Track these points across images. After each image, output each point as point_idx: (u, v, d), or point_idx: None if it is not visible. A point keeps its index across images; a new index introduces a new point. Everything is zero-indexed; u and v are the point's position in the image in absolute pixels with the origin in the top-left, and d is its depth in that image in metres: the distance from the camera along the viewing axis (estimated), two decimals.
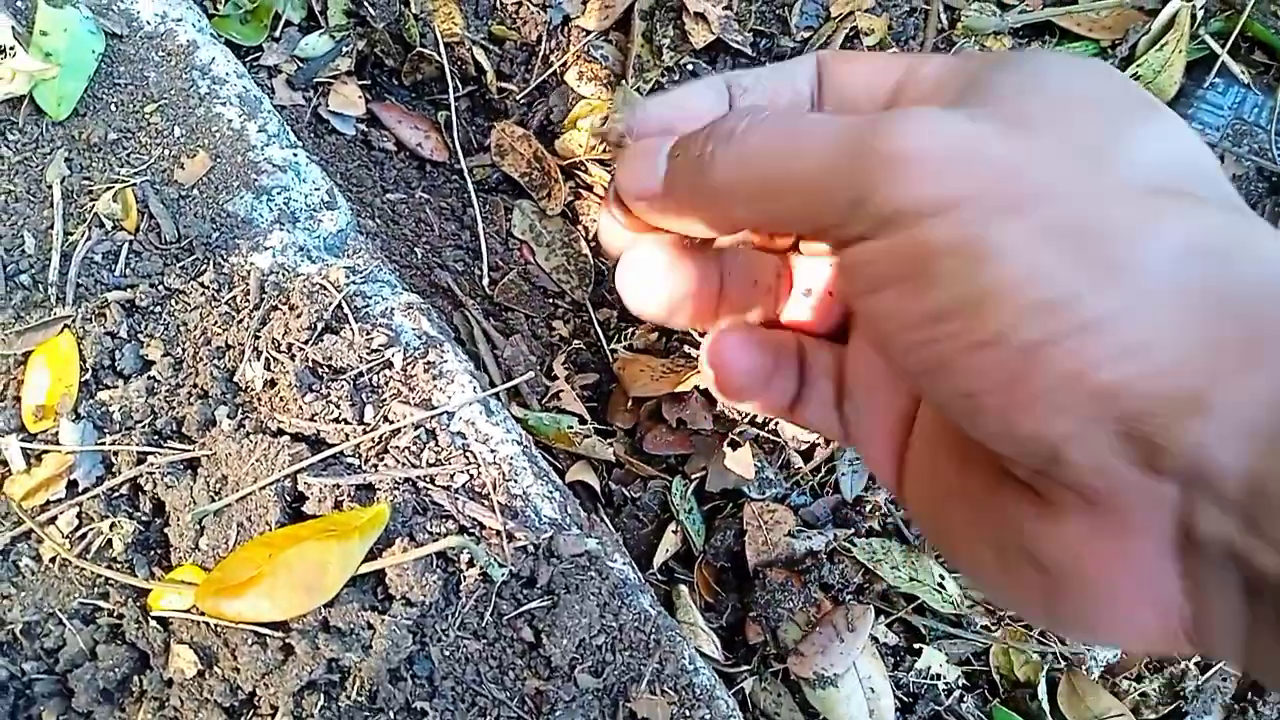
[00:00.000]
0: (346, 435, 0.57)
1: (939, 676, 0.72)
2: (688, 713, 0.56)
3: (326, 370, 0.58)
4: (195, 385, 0.58)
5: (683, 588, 0.70)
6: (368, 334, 0.59)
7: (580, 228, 0.80)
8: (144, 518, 0.57)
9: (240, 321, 0.59)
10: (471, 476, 0.57)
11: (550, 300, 0.73)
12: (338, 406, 0.57)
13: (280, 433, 0.57)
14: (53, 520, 0.56)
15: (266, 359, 0.58)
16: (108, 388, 0.58)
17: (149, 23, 0.68)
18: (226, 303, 0.60)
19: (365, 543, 0.53)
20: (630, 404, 0.75)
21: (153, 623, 0.54)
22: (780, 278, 0.34)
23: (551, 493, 0.59)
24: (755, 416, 0.75)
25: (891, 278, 0.26)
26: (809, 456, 0.75)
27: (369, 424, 0.57)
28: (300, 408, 0.57)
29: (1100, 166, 0.26)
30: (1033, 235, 0.25)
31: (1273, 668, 0.21)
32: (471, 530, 0.56)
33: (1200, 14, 0.75)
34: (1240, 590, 0.21)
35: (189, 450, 0.57)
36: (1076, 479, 0.24)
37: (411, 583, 0.53)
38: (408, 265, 0.71)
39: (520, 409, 0.68)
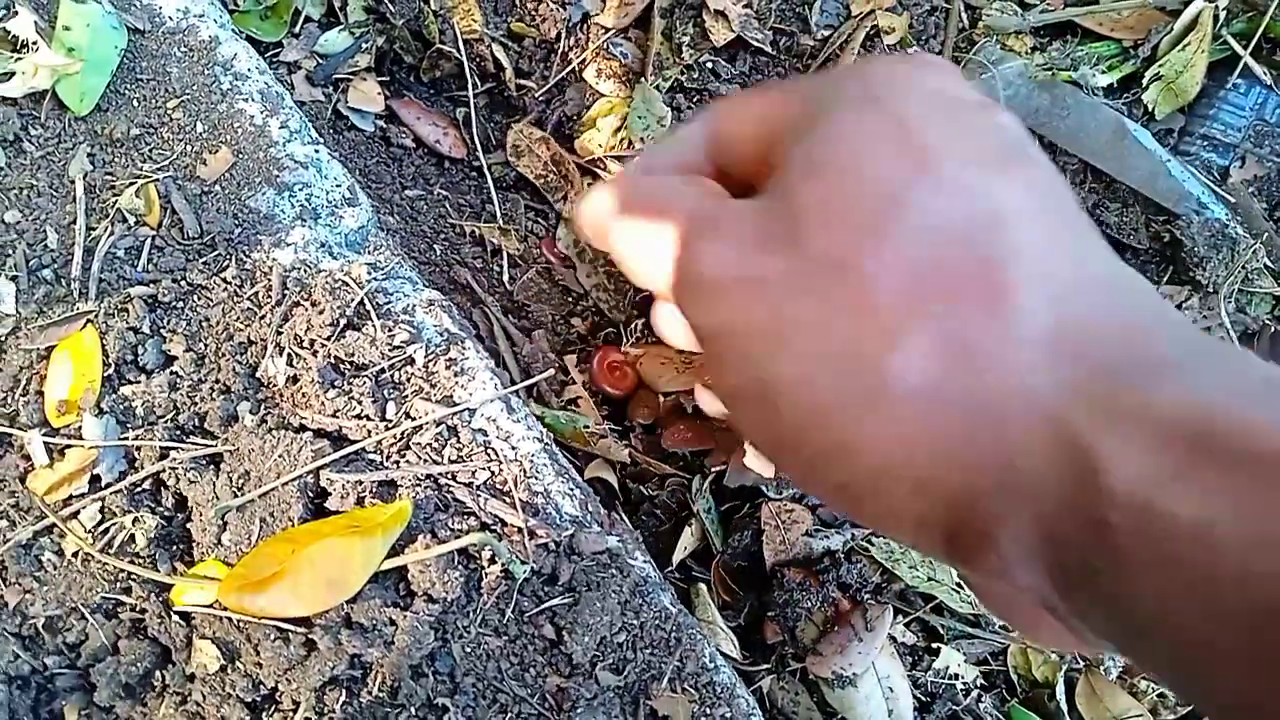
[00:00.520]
0: (369, 432, 0.57)
1: (957, 676, 0.72)
2: (708, 711, 0.56)
3: (349, 366, 0.58)
4: (218, 381, 0.58)
5: (701, 586, 0.70)
6: (389, 330, 0.59)
7: None
8: (166, 513, 0.57)
9: (262, 317, 0.59)
10: (493, 473, 0.57)
11: (571, 298, 0.73)
12: (360, 403, 0.57)
13: (303, 429, 0.57)
14: (75, 515, 0.56)
15: (289, 355, 0.58)
16: (130, 383, 0.58)
17: (171, 18, 0.68)
18: (249, 298, 0.60)
19: (388, 539, 0.53)
20: (652, 400, 0.75)
21: (175, 618, 0.54)
22: None
23: (572, 490, 0.59)
24: None
25: (716, 390, 0.33)
26: None
27: (391, 420, 0.57)
28: (322, 404, 0.57)
29: (847, 282, 0.29)
30: (797, 369, 0.30)
31: (1137, 660, 0.24)
32: (493, 527, 0.56)
33: (1223, 15, 0.75)
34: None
35: (211, 446, 0.57)
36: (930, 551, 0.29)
37: (434, 579, 0.53)
38: (427, 262, 0.71)
39: (539, 406, 0.68)
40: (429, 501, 0.55)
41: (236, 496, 0.55)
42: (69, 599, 0.55)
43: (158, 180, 0.62)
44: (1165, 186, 0.75)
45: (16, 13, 0.62)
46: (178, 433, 0.57)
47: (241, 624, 0.53)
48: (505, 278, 0.74)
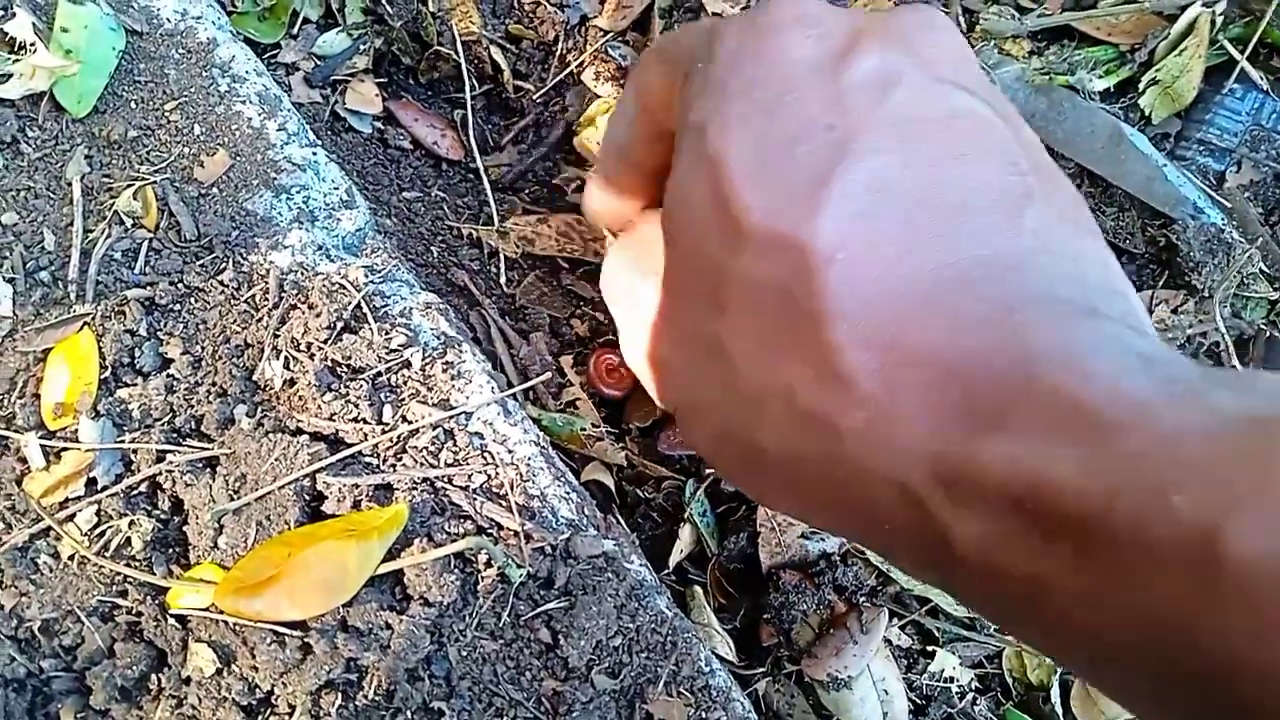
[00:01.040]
0: (365, 435, 0.57)
1: (952, 679, 0.72)
2: (704, 715, 0.56)
3: (345, 370, 0.58)
4: (214, 384, 0.58)
5: (697, 589, 0.70)
6: (386, 334, 0.59)
7: None
8: (163, 516, 0.57)
9: (259, 320, 0.59)
10: (489, 477, 0.57)
11: (571, 301, 0.73)
12: (356, 406, 0.57)
13: (299, 432, 0.57)
14: (71, 518, 0.56)
15: (286, 358, 0.58)
16: (127, 385, 0.58)
17: (169, 20, 0.68)
18: (246, 301, 0.60)
19: (384, 543, 0.53)
20: (648, 403, 0.75)
21: (171, 621, 0.54)
22: None
23: (569, 494, 0.59)
24: None
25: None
26: None
27: (388, 424, 0.57)
28: (319, 407, 0.57)
29: (721, 359, 0.31)
30: (707, 430, 0.34)
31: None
32: (489, 531, 0.56)
33: (1220, 20, 0.75)
34: None
35: (208, 449, 0.57)
36: None
37: (430, 583, 0.54)
38: (424, 264, 0.71)
39: (536, 409, 0.68)
40: (425, 505, 0.55)
41: (233, 500, 0.55)
42: (65, 602, 0.55)
43: (155, 182, 0.62)
44: (1161, 191, 0.75)
45: (14, 14, 0.62)
46: (174, 435, 0.57)
47: (238, 627, 0.53)
48: (503, 280, 0.74)
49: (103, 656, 0.54)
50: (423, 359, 0.59)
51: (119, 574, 0.55)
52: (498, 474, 0.57)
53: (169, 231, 0.61)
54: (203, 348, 0.59)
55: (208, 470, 0.57)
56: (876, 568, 0.72)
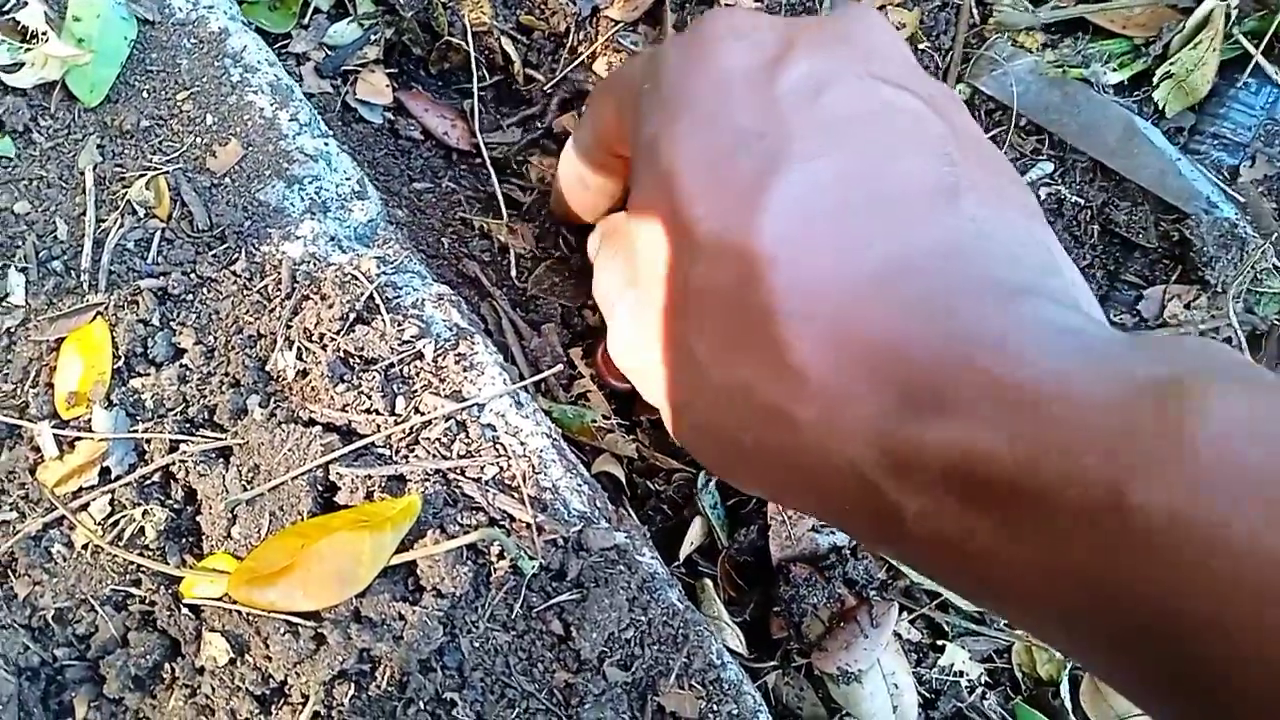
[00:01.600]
0: (378, 426, 0.57)
1: (962, 673, 0.72)
2: (715, 707, 0.56)
3: (358, 361, 0.58)
4: (227, 374, 0.58)
5: (707, 582, 0.70)
6: (399, 325, 0.59)
7: None
8: (176, 505, 0.57)
9: (272, 310, 0.59)
10: (501, 469, 0.57)
11: (584, 290, 0.73)
12: (369, 397, 0.57)
13: (312, 423, 0.57)
14: (85, 507, 0.56)
15: (298, 348, 0.58)
16: (140, 375, 0.58)
17: (180, 9, 0.67)
18: (258, 291, 0.60)
19: (397, 534, 0.53)
20: None
21: (184, 610, 0.55)
22: None
23: (580, 486, 0.59)
24: None
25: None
26: None
27: (400, 415, 0.57)
28: (332, 398, 0.57)
29: (692, 366, 0.34)
30: (695, 425, 0.37)
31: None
32: (502, 522, 0.56)
33: (1235, 13, 0.75)
34: None
35: (221, 439, 0.57)
36: None
37: (443, 574, 0.54)
38: (435, 255, 0.71)
39: (547, 401, 0.68)
40: (438, 496, 0.55)
41: (246, 490, 0.55)
42: (79, 591, 0.55)
43: (167, 172, 0.62)
44: (1175, 185, 0.75)
45: (26, 3, 0.62)
46: (187, 425, 0.57)
47: (251, 617, 0.53)
48: (513, 272, 0.73)
49: (116, 646, 0.54)
50: (435, 350, 0.59)
51: (132, 563, 0.55)
52: (510, 466, 0.57)
53: (181, 221, 0.61)
54: (215, 338, 0.59)
55: (221, 460, 0.57)
56: (887, 562, 0.72)
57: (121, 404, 0.57)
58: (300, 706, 0.52)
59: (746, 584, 0.74)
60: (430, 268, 0.65)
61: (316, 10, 0.78)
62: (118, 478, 0.56)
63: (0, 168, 0.61)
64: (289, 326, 0.59)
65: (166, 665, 0.54)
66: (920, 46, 0.79)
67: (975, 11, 0.79)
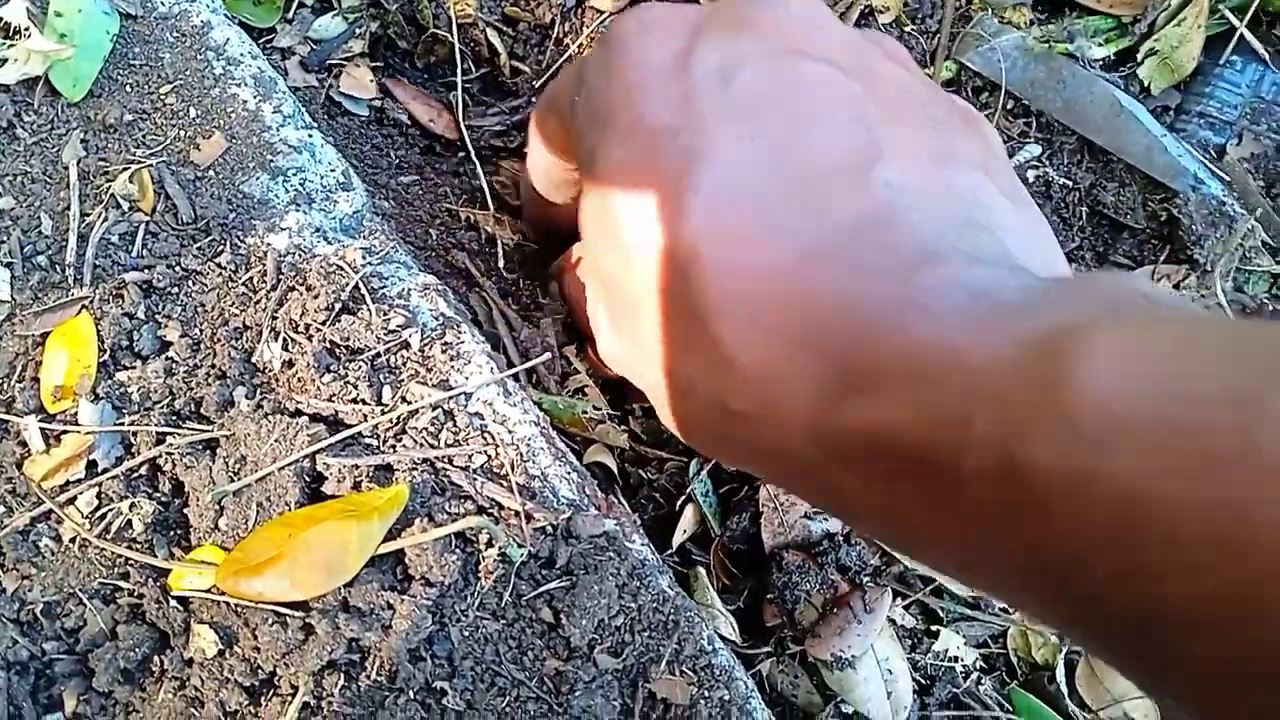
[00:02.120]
0: (364, 416, 0.56)
1: (957, 659, 0.72)
2: (707, 693, 0.56)
3: (344, 351, 0.58)
4: (213, 366, 0.58)
5: (700, 569, 0.70)
6: (385, 315, 0.59)
7: None
8: (163, 498, 0.57)
9: (257, 302, 0.59)
10: (490, 457, 0.57)
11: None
12: (355, 387, 0.57)
13: (299, 413, 0.57)
14: (72, 500, 0.56)
15: (284, 340, 0.58)
16: (126, 368, 0.58)
17: (163, 3, 0.67)
18: (243, 283, 0.60)
19: (385, 523, 0.53)
20: None
21: (173, 603, 0.54)
22: None
23: (569, 474, 0.59)
24: None
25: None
26: None
27: (387, 405, 0.57)
28: (318, 388, 0.57)
29: (650, 361, 0.35)
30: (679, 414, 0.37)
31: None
32: (490, 511, 0.56)
33: None
34: None
35: (208, 431, 0.57)
36: None
37: (431, 563, 0.53)
38: (423, 246, 0.71)
39: (538, 392, 0.68)
40: (425, 485, 0.55)
41: (233, 481, 0.55)
42: (67, 585, 0.55)
43: (151, 166, 0.62)
44: (1161, 162, 0.75)
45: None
46: (174, 418, 0.57)
47: (239, 608, 0.53)
48: (501, 263, 0.73)
49: (105, 639, 0.54)
50: (421, 340, 0.59)
51: (120, 556, 0.55)
52: (498, 454, 0.57)
53: (166, 214, 0.61)
54: (201, 330, 0.59)
55: (208, 452, 0.56)
56: (880, 547, 0.72)
57: (108, 397, 0.57)
58: (290, 697, 0.52)
59: (740, 571, 0.74)
60: (418, 259, 0.65)
61: (301, 4, 0.78)
62: (104, 471, 0.56)
63: None
64: (274, 318, 0.58)
65: (155, 658, 0.54)
66: (906, 29, 0.79)
67: None
